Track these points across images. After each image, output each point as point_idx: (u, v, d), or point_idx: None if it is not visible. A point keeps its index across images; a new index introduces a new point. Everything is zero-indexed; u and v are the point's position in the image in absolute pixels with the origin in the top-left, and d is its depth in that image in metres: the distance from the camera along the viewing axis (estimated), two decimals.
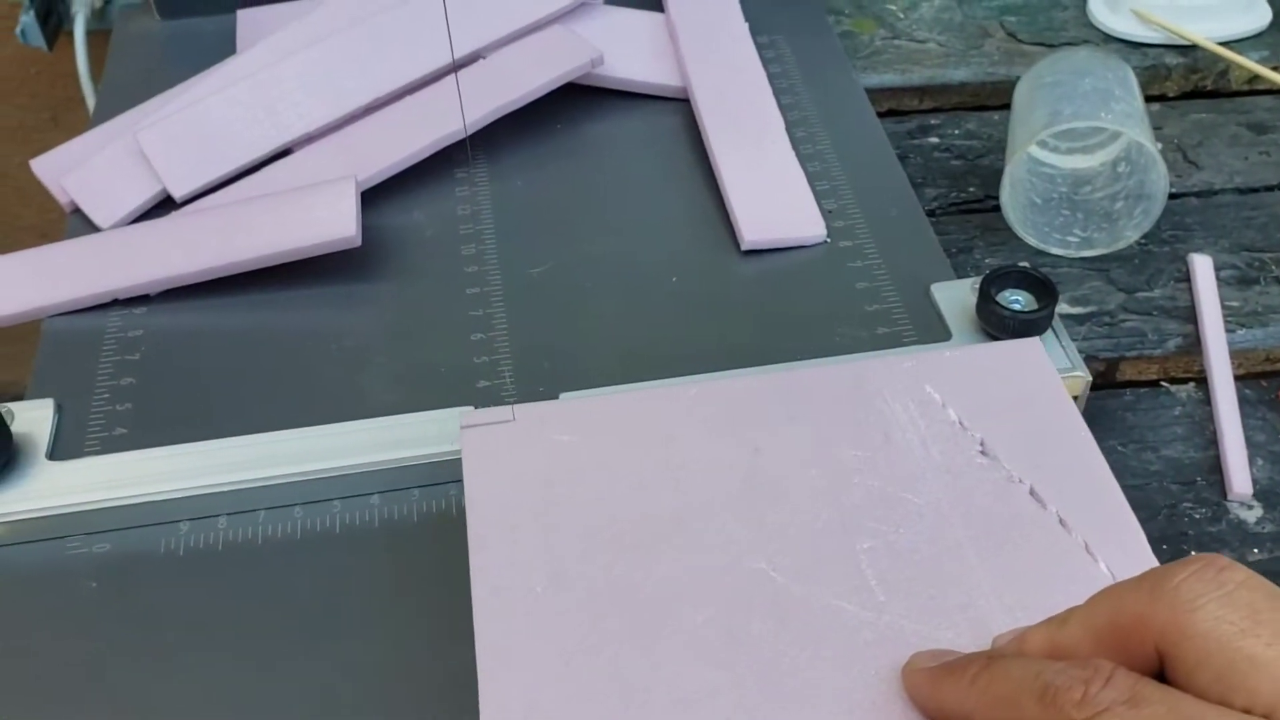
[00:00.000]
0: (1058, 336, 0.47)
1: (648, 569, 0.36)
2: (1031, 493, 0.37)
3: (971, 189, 0.61)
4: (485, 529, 0.37)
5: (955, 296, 0.49)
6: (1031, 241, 0.57)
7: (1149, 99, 0.62)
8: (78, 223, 0.55)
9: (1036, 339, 0.43)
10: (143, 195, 0.55)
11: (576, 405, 0.41)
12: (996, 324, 0.46)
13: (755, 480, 0.38)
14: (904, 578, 0.35)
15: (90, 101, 0.91)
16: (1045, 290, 0.47)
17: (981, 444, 0.39)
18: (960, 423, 0.40)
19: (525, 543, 0.37)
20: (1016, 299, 0.47)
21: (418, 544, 0.42)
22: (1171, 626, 0.26)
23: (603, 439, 0.39)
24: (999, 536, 0.36)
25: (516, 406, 0.41)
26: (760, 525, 0.37)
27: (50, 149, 0.58)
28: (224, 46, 0.63)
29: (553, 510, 0.37)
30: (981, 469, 0.38)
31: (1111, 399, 0.52)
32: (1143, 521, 0.47)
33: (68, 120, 1.04)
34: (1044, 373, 0.42)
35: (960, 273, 0.52)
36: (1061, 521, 0.37)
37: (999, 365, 0.42)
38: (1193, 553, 0.46)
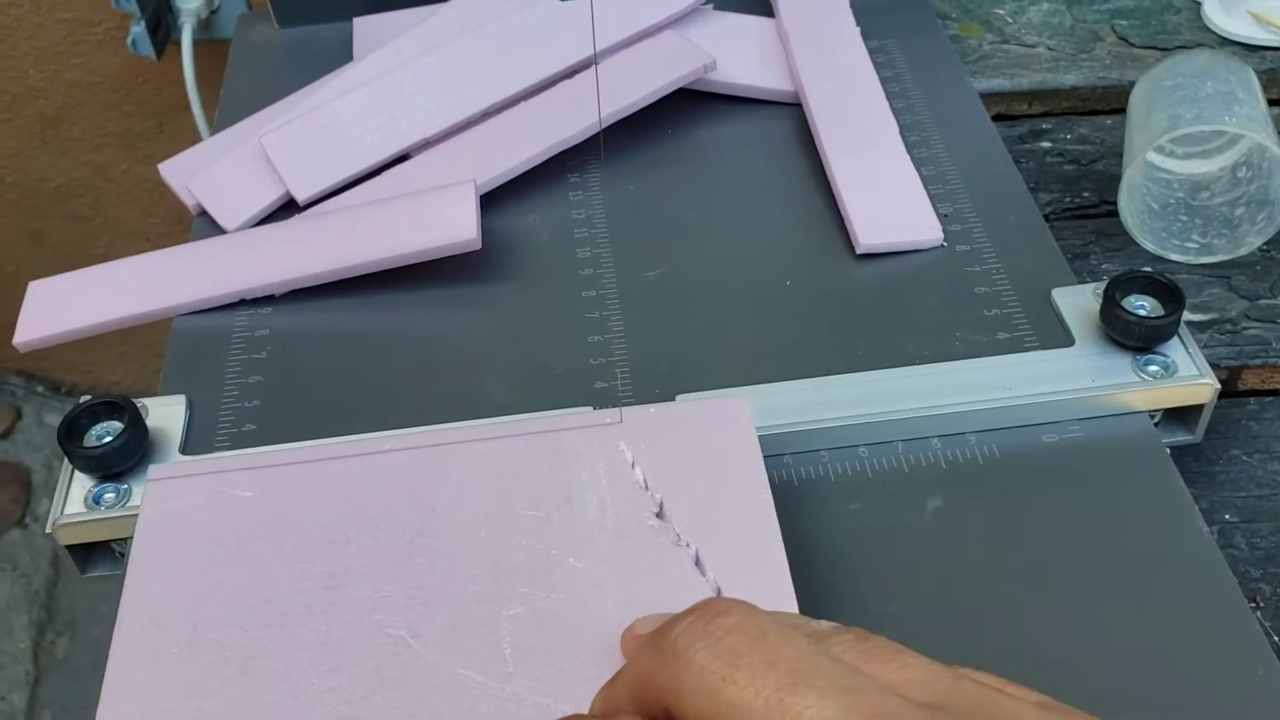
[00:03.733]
0: (1184, 344, 0.46)
1: (288, 636, 0.35)
2: (696, 561, 0.36)
3: (1086, 194, 0.60)
4: (140, 587, 0.37)
5: (1077, 302, 0.48)
6: (1149, 247, 0.56)
7: (1269, 103, 0.61)
8: (203, 225, 0.57)
9: (744, 397, 0.41)
10: (267, 198, 0.56)
11: (267, 458, 0.40)
12: (1122, 330, 0.46)
13: (423, 543, 0.37)
14: (541, 647, 0.34)
15: (197, 109, 0.93)
16: (1171, 296, 0.46)
17: (660, 506, 0.38)
18: (645, 483, 0.38)
19: (175, 604, 0.36)
20: (1142, 305, 0.46)
21: None
22: (670, 683, 0.26)
23: (282, 497, 0.39)
24: (648, 605, 0.35)
25: (205, 459, 0.40)
26: (414, 591, 0.36)
27: (155, 156, 0.60)
28: (341, 53, 0.65)
29: (212, 571, 0.37)
30: (651, 532, 0.37)
31: (1235, 408, 0.51)
32: (1270, 534, 0.47)
33: (173, 127, 1.07)
34: (744, 434, 0.40)
35: (1078, 278, 0.51)
36: (718, 592, 0.35)
37: (702, 424, 0.40)
38: None
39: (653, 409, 0.41)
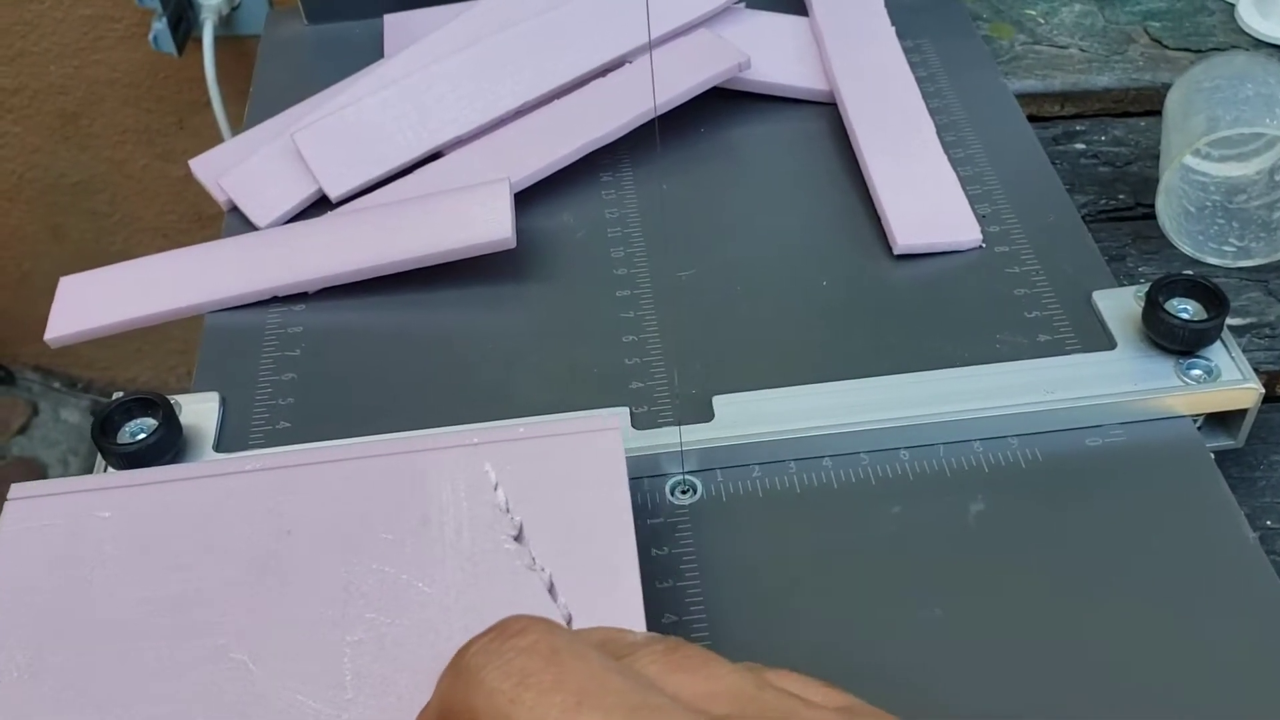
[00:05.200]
0: (1227, 347, 0.46)
1: (129, 660, 0.34)
2: (549, 587, 0.35)
3: (1121, 196, 0.60)
4: None
5: (1118, 304, 0.48)
6: (1187, 250, 0.56)
7: None
8: (234, 221, 0.57)
9: (616, 417, 0.40)
10: (299, 195, 0.56)
11: (130, 478, 0.40)
12: (1166, 333, 0.45)
13: (274, 566, 0.36)
14: (381, 674, 0.34)
15: (217, 106, 0.93)
16: (1214, 299, 0.46)
17: (519, 529, 0.37)
18: (505, 505, 0.37)
19: (20, 626, 0.35)
20: (1185, 308, 0.46)
21: None
22: (465, 705, 0.25)
23: (138, 519, 0.38)
24: None
25: (66, 480, 0.40)
26: (259, 615, 0.35)
27: (175, 152, 0.60)
28: (371, 50, 0.64)
29: (62, 593, 0.36)
30: (507, 556, 0.36)
31: (1275, 413, 0.51)
32: None
33: (193, 124, 1.07)
34: (612, 457, 0.39)
35: (1116, 281, 0.50)
36: (569, 619, 0.35)
37: (571, 445, 0.39)
38: None
39: (521, 428, 0.40)
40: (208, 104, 0.95)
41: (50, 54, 1.03)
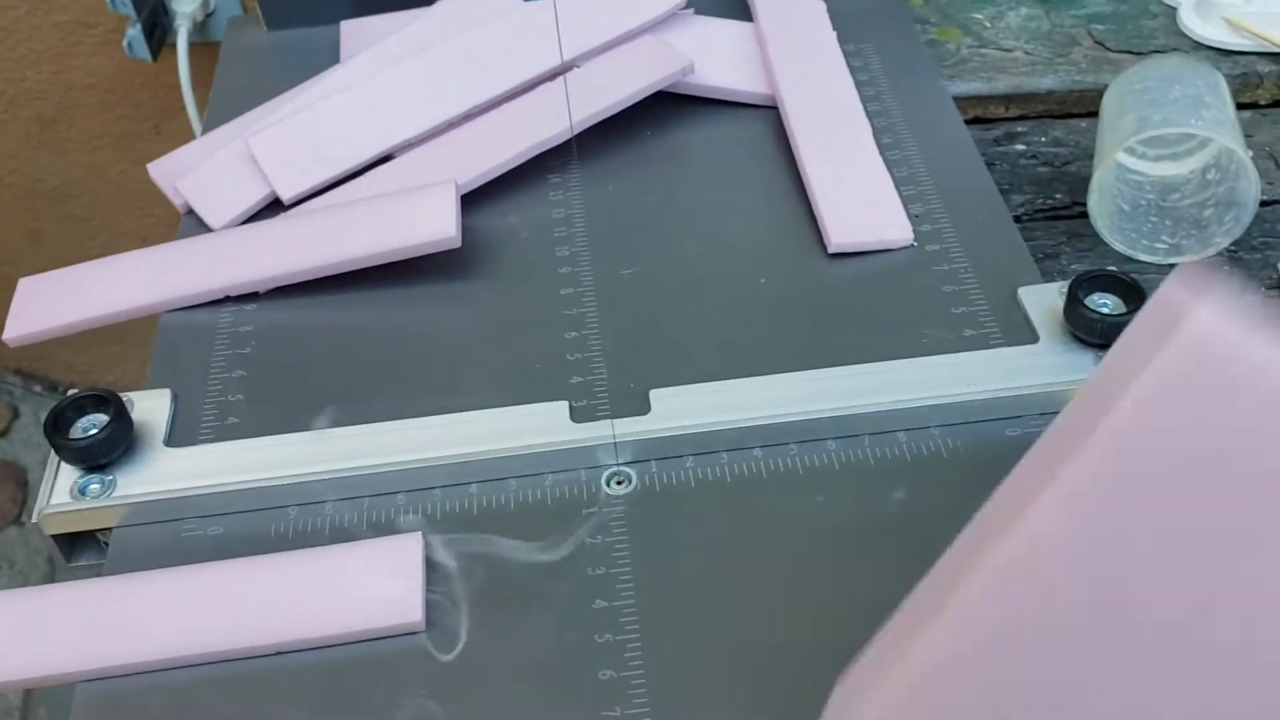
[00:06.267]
0: None
1: None
2: None
3: (1058, 195, 0.61)
4: None
5: (1043, 300, 0.49)
6: (1119, 248, 0.57)
7: (1240, 107, 0.62)
8: (190, 223, 0.58)
9: None
10: (252, 198, 0.57)
11: None
12: (1085, 327, 0.47)
13: None
14: None
15: (192, 111, 0.94)
16: (1134, 294, 0.47)
17: None
18: None
19: None
20: (1105, 302, 0.47)
21: (519, 527, 0.44)
22: None
23: None
24: None
25: None
26: None
27: (151, 157, 0.61)
28: (328, 56, 0.66)
29: None
30: None
31: None
32: None
33: (169, 129, 1.08)
34: None
35: (1048, 278, 0.52)
36: None
37: None
38: None
39: None
40: (183, 109, 0.96)
41: (26, 59, 1.04)
